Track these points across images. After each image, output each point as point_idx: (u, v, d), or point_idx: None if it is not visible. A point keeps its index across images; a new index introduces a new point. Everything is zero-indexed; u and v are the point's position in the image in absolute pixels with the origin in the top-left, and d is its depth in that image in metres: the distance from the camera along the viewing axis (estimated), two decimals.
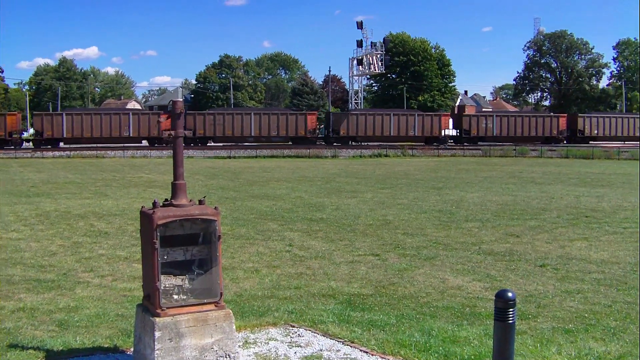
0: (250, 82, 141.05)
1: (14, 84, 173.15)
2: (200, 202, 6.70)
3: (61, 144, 69.57)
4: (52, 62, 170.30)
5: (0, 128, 67.60)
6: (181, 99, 7.07)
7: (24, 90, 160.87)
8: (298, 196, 25.36)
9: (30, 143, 72.34)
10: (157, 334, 6.29)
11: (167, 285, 6.56)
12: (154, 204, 6.56)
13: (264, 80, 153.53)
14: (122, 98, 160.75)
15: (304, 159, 57.81)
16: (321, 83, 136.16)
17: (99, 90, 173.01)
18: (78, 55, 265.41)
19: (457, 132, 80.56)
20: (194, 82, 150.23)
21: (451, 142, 79.37)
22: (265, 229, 17.13)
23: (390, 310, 9.52)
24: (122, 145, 67.72)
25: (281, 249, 14.48)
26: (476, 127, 77.80)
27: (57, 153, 61.59)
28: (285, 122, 72.59)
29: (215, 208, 6.64)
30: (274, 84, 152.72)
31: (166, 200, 6.72)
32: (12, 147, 67.44)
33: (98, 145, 67.52)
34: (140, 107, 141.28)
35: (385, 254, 13.91)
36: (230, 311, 6.69)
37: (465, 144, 76.16)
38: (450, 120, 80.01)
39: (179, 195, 6.65)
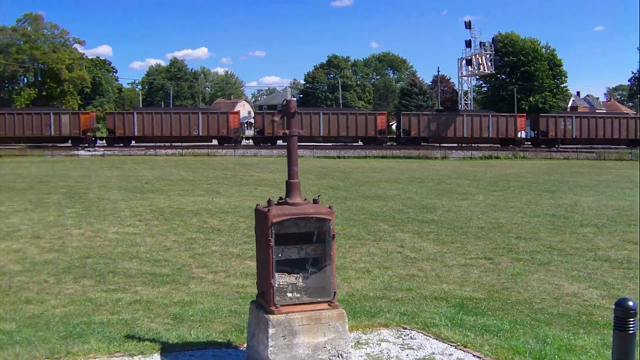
0: (358, 82, 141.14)
1: (127, 83, 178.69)
2: (315, 201, 6.73)
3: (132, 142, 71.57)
4: (163, 63, 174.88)
5: (75, 126, 70.03)
6: (294, 98, 7.13)
7: (137, 89, 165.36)
8: (409, 197, 25.24)
9: (104, 141, 74.45)
10: (270, 331, 6.35)
11: (281, 283, 6.62)
12: (269, 202, 6.62)
13: (372, 80, 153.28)
14: (232, 98, 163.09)
15: (414, 160, 57.50)
16: (430, 83, 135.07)
17: (209, 89, 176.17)
18: (188, 56, 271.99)
19: (534, 134, 77.73)
20: (302, 82, 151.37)
21: (528, 144, 76.60)
22: (376, 230, 17.11)
23: (503, 316, 9.38)
24: (230, 145, 68.76)
25: (392, 250, 14.45)
26: (554, 129, 74.26)
27: (169, 151, 62.97)
28: (354, 122, 71.91)
29: (330, 207, 6.66)
30: (382, 84, 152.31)
31: (281, 198, 6.79)
32: (87, 144, 69.73)
33: (173, 144, 69.20)
34: (250, 107, 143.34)
35: (498, 258, 13.71)
36: (344, 311, 6.70)
37: (543, 146, 73.44)
38: (527, 122, 77.40)
39: (293, 193, 6.70)
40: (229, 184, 30.60)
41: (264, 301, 6.65)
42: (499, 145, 72.19)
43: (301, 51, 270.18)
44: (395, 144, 74.59)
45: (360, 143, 72.35)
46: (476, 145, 71.82)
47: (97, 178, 33.77)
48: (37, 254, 13.97)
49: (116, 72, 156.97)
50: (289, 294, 6.65)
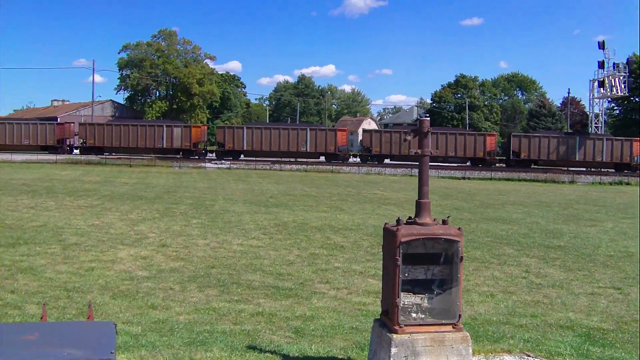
0: (486, 102, 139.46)
1: (255, 99, 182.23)
2: (444, 222, 6.65)
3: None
4: (290, 79, 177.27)
5: (186, 139, 72.27)
6: (428, 118, 7.05)
7: (264, 105, 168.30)
8: (534, 221, 24.67)
9: (214, 154, 76.17)
10: (393, 350, 6.30)
11: (406, 303, 6.56)
12: (398, 221, 6.57)
13: (500, 101, 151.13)
14: (358, 115, 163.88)
15: (540, 183, 56.27)
16: (559, 105, 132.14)
17: (335, 107, 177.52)
18: (316, 73, 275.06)
19: None
20: (429, 101, 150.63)
21: None
22: (500, 253, 16.78)
23: (632, 349, 9.00)
24: (352, 162, 68.91)
25: (517, 275, 14.12)
26: None
27: (294, 166, 63.71)
28: (463, 142, 70.53)
29: (459, 229, 6.56)
30: (510, 105, 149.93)
31: (410, 218, 6.73)
32: (197, 156, 71.52)
33: (280, 159, 69.98)
34: (375, 125, 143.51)
35: (628, 288, 13.19)
36: (468, 334, 6.58)
37: None
38: None
39: (423, 213, 6.64)
40: (353, 201, 30.67)
41: (387, 320, 6.60)
42: (614, 170, 69.63)
43: (429, 70, 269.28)
44: (504, 165, 73.19)
45: (468, 164, 71.30)
46: (596, 170, 69.32)
47: (223, 190, 34.45)
48: (163, 261, 14.32)
49: (245, 87, 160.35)
50: (414, 314, 6.59)
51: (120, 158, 67.10)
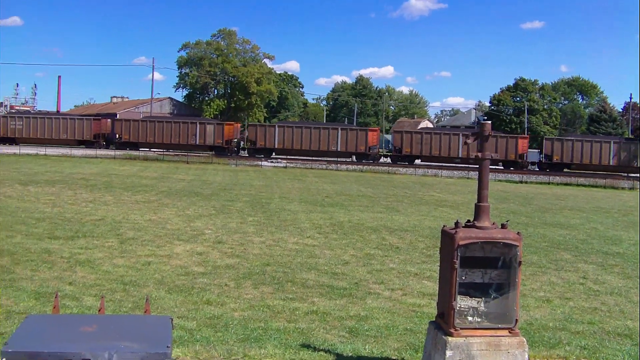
0: (545, 106, 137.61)
1: (313, 99, 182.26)
2: (503, 226, 6.57)
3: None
4: (348, 80, 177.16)
5: (218, 136, 73.11)
6: (489, 122, 6.97)
7: (322, 105, 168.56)
8: (593, 227, 24.28)
9: (245, 152, 77.05)
10: (448, 353, 6.25)
11: (462, 306, 6.50)
12: (456, 224, 6.51)
13: (560, 105, 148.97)
14: (415, 117, 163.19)
15: (599, 189, 55.35)
16: (621, 110, 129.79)
17: (393, 108, 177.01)
18: (374, 74, 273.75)
19: None
20: (487, 104, 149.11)
21: None
22: (557, 259, 16.54)
23: None
24: (413, 164, 68.57)
25: (574, 281, 13.91)
26: None
27: (350, 167, 63.62)
28: (494, 144, 69.47)
29: (518, 233, 6.48)
30: (570, 109, 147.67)
31: (468, 221, 6.67)
32: (229, 154, 71.96)
33: (310, 158, 70.13)
34: (432, 125, 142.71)
35: None
36: (524, 339, 6.50)
37: None
38: None
39: (482, 217, 6.57)
40: (409, 202, 30.54)
41: (443, 322, 6.55)
42: None
43: (488, 73, 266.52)
44: (537, 169, 72.08)
45: (499, 166, 70.29)
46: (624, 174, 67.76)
47: (279, 189, 34.57)
48: (219, 258, 14.42)
49: (302, 87, 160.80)
50: (470, 318, 6.53)
51: (177, 154, 67.90)
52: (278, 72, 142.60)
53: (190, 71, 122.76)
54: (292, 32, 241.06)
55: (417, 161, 71.74)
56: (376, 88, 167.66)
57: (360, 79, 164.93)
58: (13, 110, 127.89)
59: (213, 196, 28.53)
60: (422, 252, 16.23)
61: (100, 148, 73.88)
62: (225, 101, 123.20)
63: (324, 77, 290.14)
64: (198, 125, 74.43)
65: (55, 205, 22.57)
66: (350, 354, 8.06)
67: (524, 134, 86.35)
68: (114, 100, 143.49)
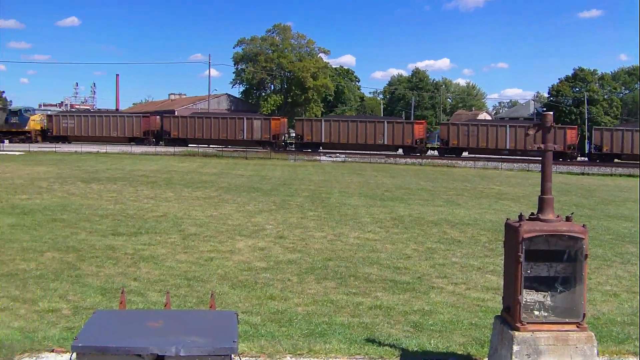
0: (605, 96, 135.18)
1: (369, 92, 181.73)
2: (568, 219, 6.47)
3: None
4: (405, 73, 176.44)
5: (266, 131, 73.94)
6: (551, 113, 6.87)
7: (378, 99, 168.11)
8: None
9: (293, 146, 77.31)
10: (515, 347, 6.19)
11: (528, 300, 6.44)
12: (520, 217, 6.44)
13: (621, 95, 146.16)
14: (473, 109, 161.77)
15: None
16: None
17: (450, 100, 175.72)
18: (430, 67, 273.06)
19: None
20: (546, 95, 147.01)
21: None
22: (623, 252, 16.24)
23: None
24: (472, 156, 67.97)
25: None
26: None
27: (409, 160, 63.37)
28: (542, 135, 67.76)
29: (584, 226, 6.37)
30: (630, 99, 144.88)
31: (532, 214, 6.58)
32: (276, 148, 72.46)
33: (359, 152, 69.91)
34: (490, 118, 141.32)
35: None
36: (593, 334, 6.39)
37: None
38: None
39: (546, 209, 6.48)
40: (469, 195, 30.29)
41: (509, 317, 6.49)
42: None
43: (546, 63, 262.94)
44: (587, 159, 70.73)
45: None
46: None
47: (338, 183, 34.58)
48: (281, 253, 14.49)
49: (359, 81, 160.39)
50: (536, 312, 6.45)
51: (236, 150, 68.47)
52: (334, 66, 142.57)
53: (246, 67, 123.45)
54: (347, 26, 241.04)
55: (465, 153, 71.10)
56: (433, 81, 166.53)
57: (416, 72, 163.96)
58: (73, 109, 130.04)
59: (273, 191, 28.66)
60: (485, 246, 16.09)
61: (150, 145, 75.38)
62: (282, 96, 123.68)
63: (380, 71, 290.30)
64: (245, 120, 75.09)
65: (118, 202, 22.90)
66: (415, 349, 8.04)
67: (584, 125, 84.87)
68: (172, 97, 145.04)
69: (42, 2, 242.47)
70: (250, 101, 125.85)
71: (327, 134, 72.70)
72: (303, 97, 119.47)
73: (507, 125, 71.36)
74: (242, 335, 8.11)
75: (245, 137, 74.39)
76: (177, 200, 23.97)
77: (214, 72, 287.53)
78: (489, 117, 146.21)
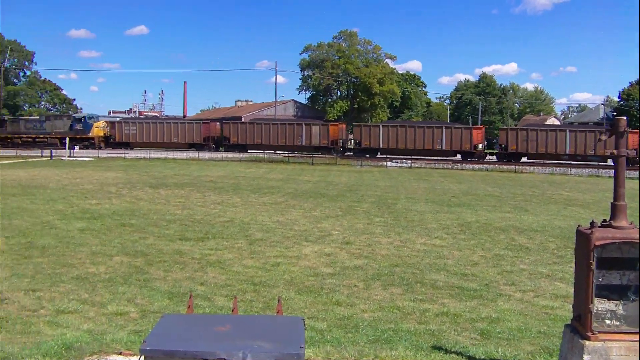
0: None
1: (436, 98, 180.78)
2: None
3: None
4: (471, 78, 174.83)
5: (324, 137, 74.24)
6: (624, 117, 6.73)
7: (445, 104, 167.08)
8: None
9: (351, 152, 77.08)
10: (585, 357, 6.07)
11: (599, 309, 6.30)
12: (592, 224, 6.31)
13: None
14: (541, 114, 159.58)
15: None
16: None
17: (518, 105, 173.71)
18: (497, 71, 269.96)
19: None
20: (616, 99, 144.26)
21: None
22: None
23: None
24: (540, 161, 66.93)
25: None
26: None
27: (475, 166, 62.84)
28: (583, 139, 66.50)
29: None
30: None
31: (604, 220, 6.45)
32: (334, 154, 72.35)
33: (425, 157, 69.12)
34: (558, 122, 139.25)
35: None
36: None
37: None
38: None
39: (619, 216, 6.34)
40: (537, 201, 29.85)
41: (579, 325, 6.35)
42: None
43: (616, 67, 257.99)
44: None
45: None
46: None
47: (405, 189, 34.44)
48: (347, 258, 14.47)
49: (425, 86, 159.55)
50: (608, 321, 6.31)
51: (302, 156, 68.85)
52: (400, 72, 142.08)
53: (313, 73, 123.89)
54: (413, 31, 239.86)
55: (524, 158, 70.16)
56: (500, 85, 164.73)
57: (483, 77, 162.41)
58: (141, 117, 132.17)
59: (339, 197, 28.68)
60: (553, 253, 15.82)
61: (209, 150, 76.43)
62: (348, 102, 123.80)
63: (446, 76, 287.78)
64: (304, 126, 75.79)
65: (185, 208, 23.17)
66: (482, 357, 7.93)
67: None
68: (239, 103, 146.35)
69: (111, 12, 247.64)
70: (316, 107, 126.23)
71: (385, 139, 72.69)
72: (369, 103, 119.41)
73: (567, 130, 70.18)
74: (308, 340, 8.11)
75: (303, 143, 74.99)
76: (244, 206, 24.14)
77: (280, 79, 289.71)
78: (557, 122, 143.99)
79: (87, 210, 21.82)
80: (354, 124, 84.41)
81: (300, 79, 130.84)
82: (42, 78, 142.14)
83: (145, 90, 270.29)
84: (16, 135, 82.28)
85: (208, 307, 10.13)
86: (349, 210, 23.70)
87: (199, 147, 77.96)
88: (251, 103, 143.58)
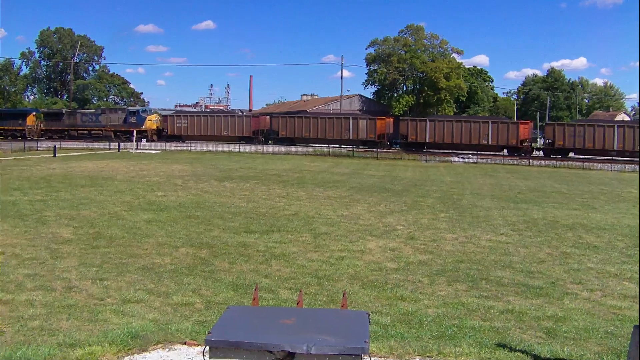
0: None
1: (503, 93, 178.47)
2: None
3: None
4: (539, 73, 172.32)
5: (371, 131, 74.21)
6: None
7: (512, 99, 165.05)
8: None
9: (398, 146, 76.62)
10: None
11: None
12: None
13: None
14: (611, 110, 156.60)
15: None
16: None
17: (587, 101, 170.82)
18: (566, 66, 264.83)
19: None
20: None
21: None
22: None
23: None
24: (609, 158, 65.72)
25: None
26: None
27: (542, 162, 61.99)
28: (632, 135, 64.59)
29: None
30: None
31: None
32: (380, 148, 72.21)
33: (491, 153, 68.39)
34: (629, 118, 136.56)
35: None
36: None
37: None
38: None
39: None
40: (605, 199, 29.28)
41: None
42: None
43: None
44: None
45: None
46: None
47: (470, 185, 34.15)
48: (411, 254, 14.42)
49: (492, 81, 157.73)
50: None
51: (367, 151, 68.81)
52: (467, 66, 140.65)
53: (379, 68, 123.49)
54: (480, 25, 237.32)
55: (571, 154, 68.92)
56: (569, 80, 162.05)
57: (551, 72, 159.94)
58: (208, 110, 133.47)
59: (404, 192, 28.57)
60: (622, 252, 15.50)
61: (259, 144, 77.09)
62: (414, 97, 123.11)
63: (513, 71, 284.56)
64: (351, 120, 75.99)
65: (250, 201, 23.33)
66: (548, 356, 7.84)
67: None
68: (304, 98, 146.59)
69: (179, 7, 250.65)
70: (382, 102, 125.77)
71: (432, 133, 72.30)
72: (435, 98, 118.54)
73: (616, 126, 68.62)
74: (371, 335, 8.08)
75: (350, 137, 75.21)
76: (309, 200, 24.21)
77: (346, 73, 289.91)
78: (627, 118, 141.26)
79: (154, 202, 22.13)
80: (401, 118, 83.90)
81: (366, 74, 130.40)
82: (111, 72, 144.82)
83: (211, 85, 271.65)
84: (72, 128, 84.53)
85: (272, 299, 10.20)
86: (414, 205, 23.59)
87: (248, 140, 78.90)
88: (316, 97, 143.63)
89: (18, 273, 11.83)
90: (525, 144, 70.47)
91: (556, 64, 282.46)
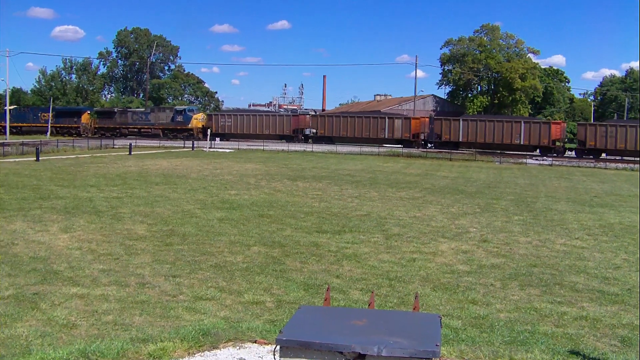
0: None
1: (580, 93, 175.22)
2: None
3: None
4: (617, 73, 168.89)
5: (406, 130, 74.58)
6: None
7: (589, 100, 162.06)
8: None
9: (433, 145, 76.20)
10: None
11: None
12: None
13: None
14: None
15: None
16: None
17: None
18: None
19: None
20: None
21: None
22: None
23: None
24: None
25: None
26: None
27: (620, 165, 60.75)
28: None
29: None
30: None
31: None
32: (415, 147, 72.83)
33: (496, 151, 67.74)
34: None
35: None
36: None
37: None
38: None
39: None
40: None
41: None
42: None
43: None
44: None
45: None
46: None
47: (545, 188, 33.64)
48: (484, 257, 14.30)
49: (568, 82, 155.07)
50: None
51: (440, 152, 68.57)
52: (543, 66, 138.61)
53: (453, 68, 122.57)
54: (557, 25, 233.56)
55: (603, 155, 67.36)
56: None
57: (630, 72, 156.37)
58: (281, 109, 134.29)
59: (477, 194, 28.31)
60: None
61: (299, 142, 77.92)
62: (489, 98, 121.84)
63: (591, 71, 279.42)
64: (387, 120, 76.57)
65: (322, 200, 23.41)
66: None
67: None
68: (377, 98, 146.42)
69: (255, 8, 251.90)
70: (456, 102, 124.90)
71: (465, 133, 72.16)
72: (510, 98, 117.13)
73: (627, 125, 67.14)
74: (442, 338, 8.06)
75: (386, 136, 75.76)
76: (381, 200, 24.19)
77: (420, 73, 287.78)
78: None
79: (227, 201, 22.38)
80: (435, 117, 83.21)
81: (440, 74, 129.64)
82: (186, 72, 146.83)
83: (285, 84, 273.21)
84: (124, 126, 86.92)
85: (343, 300, 10.24)
86: (487, 207, 23.37)
87: (288, 139, 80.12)
88: (390, 97, 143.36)
89: (93, 268, 12.12)
90: (558, 144, 69.77)
91: (635, 64, 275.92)
